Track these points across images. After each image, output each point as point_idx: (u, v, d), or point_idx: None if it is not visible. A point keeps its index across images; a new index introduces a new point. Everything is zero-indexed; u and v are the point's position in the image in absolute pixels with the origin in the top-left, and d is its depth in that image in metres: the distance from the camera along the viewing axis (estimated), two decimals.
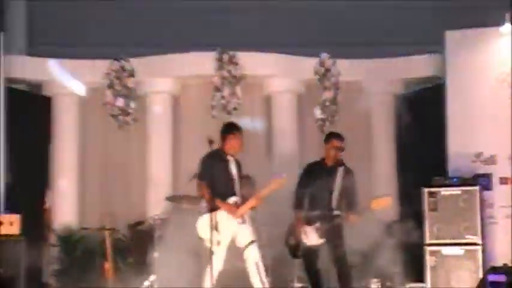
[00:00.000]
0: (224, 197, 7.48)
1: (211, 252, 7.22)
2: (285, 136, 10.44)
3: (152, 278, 8.77)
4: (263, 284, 7.38)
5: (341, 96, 10.51)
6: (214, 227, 7.22)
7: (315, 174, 7.78)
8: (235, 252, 7.54)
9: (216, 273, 7.39)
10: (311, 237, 7.73)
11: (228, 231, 7.39)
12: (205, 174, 7.56)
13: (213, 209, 7.46)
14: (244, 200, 7.57)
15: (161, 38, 11.08)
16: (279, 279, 9.00)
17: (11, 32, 10.51)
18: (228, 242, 7.40)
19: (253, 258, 7.44)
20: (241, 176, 7.74)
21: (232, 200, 7.50)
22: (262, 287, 7.36)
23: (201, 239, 7.51)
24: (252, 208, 7.56)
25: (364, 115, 10.58)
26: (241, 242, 7.50)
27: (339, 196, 7.80)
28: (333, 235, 7.67)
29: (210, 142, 7.50)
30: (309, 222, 7.76)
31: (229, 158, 7.65)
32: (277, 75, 10.63)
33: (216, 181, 7.53)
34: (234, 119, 10.13)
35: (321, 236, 7.69)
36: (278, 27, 11.31)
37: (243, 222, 7.47)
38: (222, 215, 7.43)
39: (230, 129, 7.75)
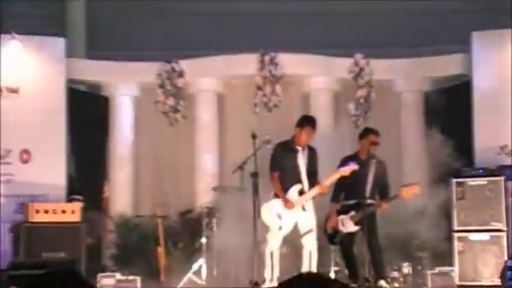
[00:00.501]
0: (290, 185, 7.56)
1: (255, 235, 7.28)
2: (322, 131, 10.44)
3: (201, 261, 8.86)
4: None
5: (374, 94, 10.49)
6: (258, 214, 7.30)
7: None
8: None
9: (269, 253, 7.50)
10: (347, 225, 7.78)
11: (290, 218, 7.50)
12: (274, 164, 7.70)
13: (277, 196, 7.62)
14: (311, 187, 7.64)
15: (208, 40, 11.17)
16: (318, 264, 9.06)
17: (72, 38, 10.70)
18: (290, 228, 7.51)
19: (309, 246, 7.58)
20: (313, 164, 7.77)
21: (296, 188, 7.57)
22: None
23: (263, 223, 7.63)
24: (319, 194, 7.63)
25: (395, 111, 10.57)
26: (301, 229, 7.62)
27: (372, 186, 7.83)
28: (367, 222, 7.70)
29: (253, 136, 7.60)
30: (345, 211, 7.81)
31: (299, 148, 7.71)
32: (315, 75, 10.66)
33: (283, 170, 7.65)
34: (274, 115, 10.26)
35: (356, 224, 7.73)
36: (315, 29, 11.33)
37: (304, 209, 7.56)
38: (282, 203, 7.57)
39: (303, 123, 7.79)
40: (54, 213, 8.83)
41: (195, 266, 8.87)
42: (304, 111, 10.62)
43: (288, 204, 7.53)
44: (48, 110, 9.61)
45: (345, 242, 7.88)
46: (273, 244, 7.58)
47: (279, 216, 7.54)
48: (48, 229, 8.77)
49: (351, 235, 7.84)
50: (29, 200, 8.99)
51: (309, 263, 7.56)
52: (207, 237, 8.93)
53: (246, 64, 10.47)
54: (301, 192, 7.60)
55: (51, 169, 9.51)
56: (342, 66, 10.55)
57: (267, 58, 10.41)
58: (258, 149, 7.63)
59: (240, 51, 10.48)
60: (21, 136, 9.41)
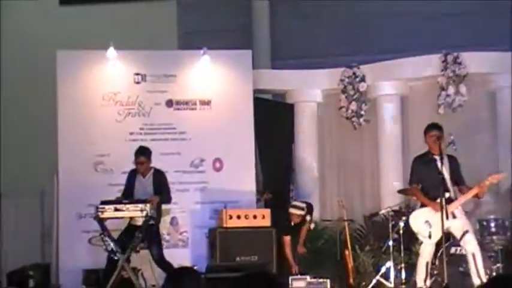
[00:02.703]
0: (435, 195, 7.45)
1: (443, 237, 7.22)
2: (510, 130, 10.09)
3: (388, 264, 8.84)
4: (478, 275, 7.30)
5: None
6: (446, 216, 7.23)
7: None
8: None
9: (424, 265, 7.43)
10: None
11: (439, 225, 7.32)
12: (413, 176, 7.78)
13: (423, 205, 7.59)
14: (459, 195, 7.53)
15: (388, 44, 11.14)
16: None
17: (257, 49, 11.05)
18: (439, 235, 7.35)
19: (470, 248, 7.46)
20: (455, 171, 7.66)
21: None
22: (477, 277, 7.28)
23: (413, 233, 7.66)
24: (474, 197, 7.47)
25: None
26: (456, 234, 7.51)
27: None
28: None
29: (438, 138, 7.55)
30: None
31: (436, 157, 7.60)
32: (500, 72, 10.27)
33: (425, 181, 7.63)
34: (458, 115, 10.04)
35: None
36: (497, 26, 10.95)
37: (454, 217, 7.42)
38: (433, 211, 7.47)
39: (428, 129, 7.76)
40: (246, 218, 9.04)
41: (383, 269, 8.89)
42: (490, 110, 10.36)
43: (437, 207, 7.37)
44: (238, 120, 9.95)
45: None
46: (427, 254, 7.52)
47: (428, 224, 7.45)
48: (240, 234, 9.02)
49: None
50: (222, 206, 9.37)
51: (475, 266, 7.39)
52: (394, 240, 8.91)
53: (429, 65, 10.32)
54: (448, 201, 7.42)
55: (241, 176, 9.83)
56: None
57: (450, 58, 10.21)
58: (443, 149, 7.57)
59: (421, 53, 10.38)
60: (213, 146, 9.85)
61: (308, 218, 9.56)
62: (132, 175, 8.57)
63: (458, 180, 7.67)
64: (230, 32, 11.35)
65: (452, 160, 7.70)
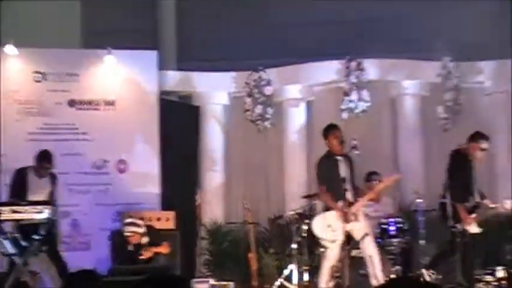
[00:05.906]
0: (336, 197, 7.51)
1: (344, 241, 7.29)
2: (410, 135, 10.36)
3: (291, 267, 8.88)
4: (376, 278, 7.41)
5: (463, 97, 10.29)
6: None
7: (463, 167, 7.76)
8: None
9: (328, 268, 7.51)
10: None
11: (341, 229, 7.41)
12: (320, 177, 7.76)
13: (328, 209, 7.59)
14: (357, 197, 7.60)
15: (294, 49, 11.19)
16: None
17: (163, 50, 10.89)
18: (342, 239, 7.41)
19: (368, 251, 7.54)
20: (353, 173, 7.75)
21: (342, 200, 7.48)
22: (374, 279, 7.39)
23: (316, 237, 7.70)
24: (371, 200, 7.64)
25: (485, 113, 10.32)
26: (356, 237, 7.57)
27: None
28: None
29: (341, 142, 7.63)
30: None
31: (339, 158, 7.67)
32: (401, 79, 10.53)
33: (328, 182, 7.63)
34: (361, 121, 10.20)
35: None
36: (400, 34, 11.17)
37: (356, 219, 7.49)
38: (336, 215, 7.51)
39: (327, 130, 7.81)
40: (150, 220, 8.94)
41: (286, 272, 8.92)
42: (393, 116, 10.59)
43: (345, 218, 7.40)
44: (142, 121, 9.84)
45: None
46: (332, 257, 7.55)
47: (331, 228, 7.51)
48: None
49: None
50: (125, 209, 9.21)
51: (373, 268, 7.49)
52: (298, 243, 8.96)
53: (332, 71, 10.44)
54: (351, 203, 7.49)
55: (145, 178, 9.73)
56: (429, 69, 10.40)
57: (353, 64, 10.37)
58: (346, 154, 7.66)
59: (326, 58, 10.50)
60: (117, 147, 9.70)
61: (145, 239, 8.46)
62: (24, 174, 8.28)
63: (354, 182, 7.76)
64: (136, 32, 11.13)
65: (350, 162, 7.77)
